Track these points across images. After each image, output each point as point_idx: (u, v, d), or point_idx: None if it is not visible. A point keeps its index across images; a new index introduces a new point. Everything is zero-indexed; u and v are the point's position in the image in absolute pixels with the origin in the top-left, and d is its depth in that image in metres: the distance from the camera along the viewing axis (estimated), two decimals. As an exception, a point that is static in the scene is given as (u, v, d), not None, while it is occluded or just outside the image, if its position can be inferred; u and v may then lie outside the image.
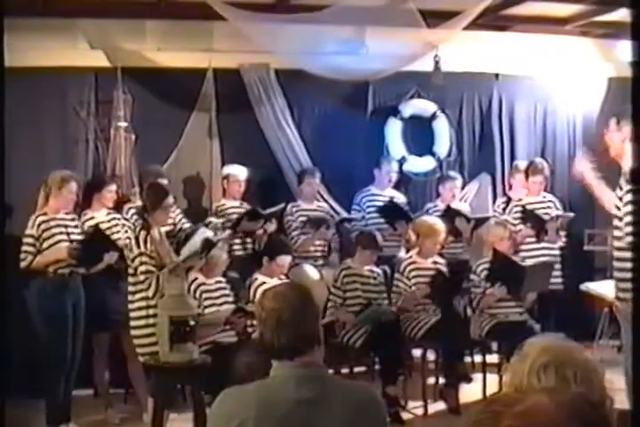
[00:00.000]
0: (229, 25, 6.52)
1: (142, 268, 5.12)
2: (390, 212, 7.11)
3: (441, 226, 6.57)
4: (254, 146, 7.33)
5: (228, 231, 6.62)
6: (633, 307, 4.06)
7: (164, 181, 6.36)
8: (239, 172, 6.93)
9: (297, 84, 7.36)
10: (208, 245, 5.47)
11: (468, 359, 6.70)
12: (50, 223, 5.52)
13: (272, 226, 6.80)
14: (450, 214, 7.05)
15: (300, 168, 7.30)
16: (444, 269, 6.47)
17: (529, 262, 6.72)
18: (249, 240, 6.86)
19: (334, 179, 7.40)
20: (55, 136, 6.90)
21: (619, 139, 4.82)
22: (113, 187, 6.32)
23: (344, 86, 7.46)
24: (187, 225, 6.41)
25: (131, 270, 5.21)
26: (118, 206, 6.42)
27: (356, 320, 6.17)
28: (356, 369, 6.58)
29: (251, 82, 7.30)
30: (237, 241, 6.79)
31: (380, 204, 7.19)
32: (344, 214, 7.34)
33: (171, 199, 5.42)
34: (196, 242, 5.33)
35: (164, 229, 5.45)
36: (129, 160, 6.90)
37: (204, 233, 5.55)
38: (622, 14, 6.55)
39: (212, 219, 6.68)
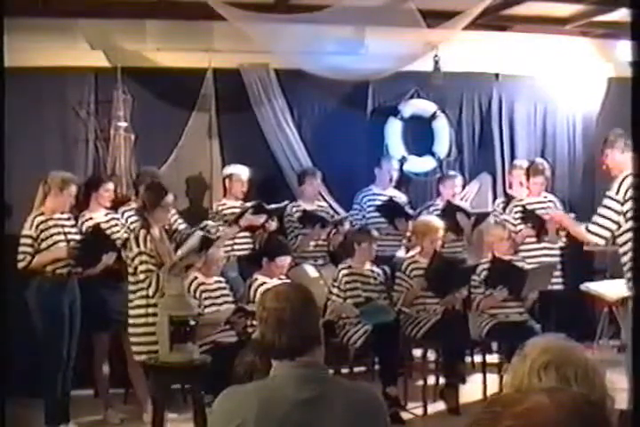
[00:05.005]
0: (229, 25, 6.52)
1: (142, 267, 5.12)
2: (389, 210, 7.12)
3: (437, 223, 6.59)
4: (254, 146, 7.33)
5: (228, 228, 6.61)
6: (633, 307, 4.06)
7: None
8: (241, 171, 6.92)
9: (297, 84, 7.36)
10: (206, 242, 5.45)
11: (468, 359, 6.70)
12: (48, 223, 5.51)
13: (274, 224, 6.81)
14: (450, 210, 7.05)
15: (300, 168, 7.30)
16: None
17: (529, 262, 6.73)
18: (249, 240, 6.86)
19: (334, 179, 7.40)
20: (55, 136, 6.89)
21: (616, 156, 4.97)
22: (110, 185, 6.31)
23: (344, 86, 7.46)
24: (182, 226, 6.41)
25: (131, 270, 5.21)
26: (117, 207, 6.42)
27: (358, 311, 6.17)
28: (356, 369, 6.58)
29: (251, 82, 7.30)
30: (237, 241, 6.79)
31: (381, 203, 7.19)
32: (343, 214, 7.33)
33: (170, 198, 5.41)
34: (193, 241, 5.31)
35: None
36: (129, 160, 6.90)
37: (198, 239, 5.50)
38: (622, 14, 6.56)
39: (209, 222, 6.67)
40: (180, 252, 5.24)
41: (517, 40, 7.80)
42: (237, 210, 6.82)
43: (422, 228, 6.61)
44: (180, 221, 6.51)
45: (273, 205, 6.77)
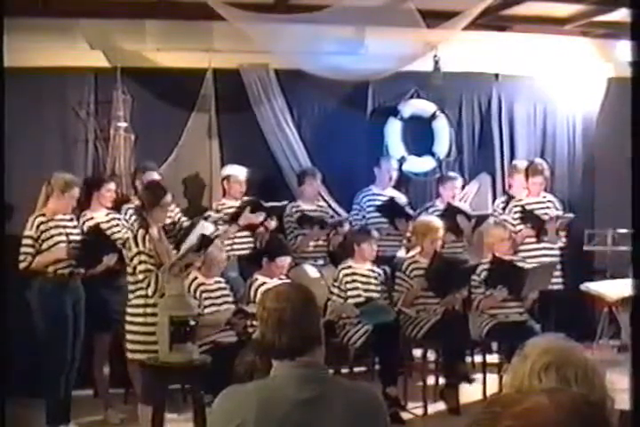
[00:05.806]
0: (229, 25, 6.52)
1: (141, 267, 5.11)
2: (390, 210, 7.12)
3: (437, 223, 6.59)
4: (254, 146, 7.33)
5: (226, 226, 6.60)
6: (633, 307, 4.06)
7: (155, 175, 6.38)
8: (240, 172, 6.92)
9: (297, 84, 7.36)
10: (205, 241, 5.44)
11: (468, 359, 6.70)
12: (49, 224, 5.50)
13: (273, 223, 6.80)
14: (450, 212, 7.05)
15: (300, 168, 7.29)
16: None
17: (529, 262, 6.73)
18: (249, 240, 6.85)
19: (334, 179, 7.40)
20: (55, 136, 6.89)
21: None
22: (112, 186, 6.32)
23: (344, 86, 7.46)
24: (186, 224, 6.40)
25: (130, 269, 5.20)
26: (118, 206, 6.42)
27: (358, 311, 6.17)
28: (356, 369, 6.58)
29: (250, 82, 7.30)
30: (237, 240, 6.78)
31: (381, 203, 7.19)
32: (344, 215, 7.33)
33: (169, 197, 5.40)
34: (193, 238, 5.30)
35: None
36: (128, 160, 6.90)
37: (203, 228, 5.49)
38: (622, 14, 6.56)
39: (212, 213, 6.68)
40: (182, 246, 5.24)
41: (517, 40, 7.79)
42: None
43: (422, 228, 6.61)
44: (184, 219, 6.53)
45: (271, 203, 6.76)
